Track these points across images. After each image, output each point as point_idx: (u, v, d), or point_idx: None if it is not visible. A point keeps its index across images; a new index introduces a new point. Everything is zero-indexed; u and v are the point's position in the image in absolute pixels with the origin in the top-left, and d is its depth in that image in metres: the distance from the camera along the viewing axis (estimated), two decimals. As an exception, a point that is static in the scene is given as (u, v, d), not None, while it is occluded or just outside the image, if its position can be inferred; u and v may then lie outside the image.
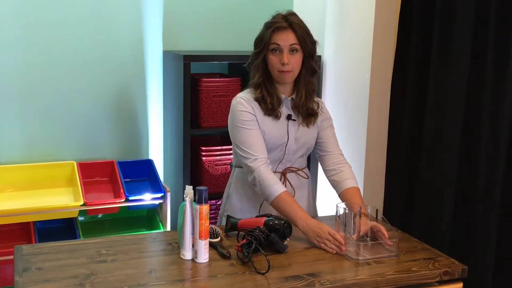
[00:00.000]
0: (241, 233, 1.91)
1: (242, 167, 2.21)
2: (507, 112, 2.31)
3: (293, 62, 2.10)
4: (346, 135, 2.99)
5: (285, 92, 2.19)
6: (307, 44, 2.11)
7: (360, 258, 1.88)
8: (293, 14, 2.14)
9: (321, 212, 2.52)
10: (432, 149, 2.65)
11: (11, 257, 2.01)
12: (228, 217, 2.07)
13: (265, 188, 2.05)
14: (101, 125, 3.30)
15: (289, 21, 2.10)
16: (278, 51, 2.10)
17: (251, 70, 2.20)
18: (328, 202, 2.91)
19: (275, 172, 2.19)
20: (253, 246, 1.80)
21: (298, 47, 2.10)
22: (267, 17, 2.19)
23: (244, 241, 1.83)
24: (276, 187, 2.05)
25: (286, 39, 2.09)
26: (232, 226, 2.03)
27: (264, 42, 2.11)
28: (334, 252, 1.91)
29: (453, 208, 2.56)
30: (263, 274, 1.73)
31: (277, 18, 2.12)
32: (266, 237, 1.86)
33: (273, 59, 2.11)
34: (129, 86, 3.33)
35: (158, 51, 3.33)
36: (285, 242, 1.92)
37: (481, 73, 2.42)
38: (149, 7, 3.28)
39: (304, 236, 2.00)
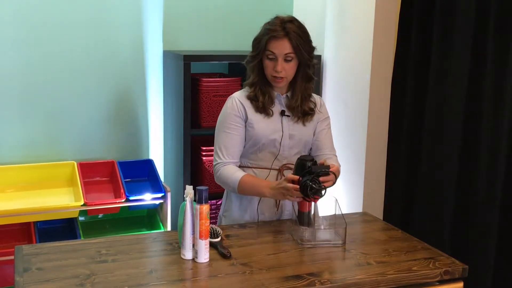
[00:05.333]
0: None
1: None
2: (507, 111, 2.32)
3: (286, 70, 2.12)
4: (346, 135, 2.99)
5: (280, 90, 2.22)
6: (302, 53, 2.11)
7: (303, 243, 1.97)
8: (291, 20, 2.11)
9: (322, 211, 2.51)
10: (432, 149, 2.65)
11: (12, 257, 2.01)
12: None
13: (227, 181, 2.15)
14: (101, 125, 3.30)
15: (286, 30, 2.08)
16: (273, 58, 2.11)
17: (247, 70, 2.23)
18: (329, 202, 2.90)
19: (270, 168, 2.21)
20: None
21: (293, 55, 2.10)
22: (267, 17, 2.18)
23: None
24: (235, 176, 2.12)
25: (282, 48, 2.09)
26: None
27: (260, 48, 2.13)
28: (297, 200, 2.01)
29: (453, 208, 2.57)
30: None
31: (275, 25, 2.10)
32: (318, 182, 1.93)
33: (268, 64, 2.13)
34: (129, 86, 3.33)
35: (158, 51, 3.33)
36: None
37: (481, 73, 2.42)
38: (149, 7, 3.28)
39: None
